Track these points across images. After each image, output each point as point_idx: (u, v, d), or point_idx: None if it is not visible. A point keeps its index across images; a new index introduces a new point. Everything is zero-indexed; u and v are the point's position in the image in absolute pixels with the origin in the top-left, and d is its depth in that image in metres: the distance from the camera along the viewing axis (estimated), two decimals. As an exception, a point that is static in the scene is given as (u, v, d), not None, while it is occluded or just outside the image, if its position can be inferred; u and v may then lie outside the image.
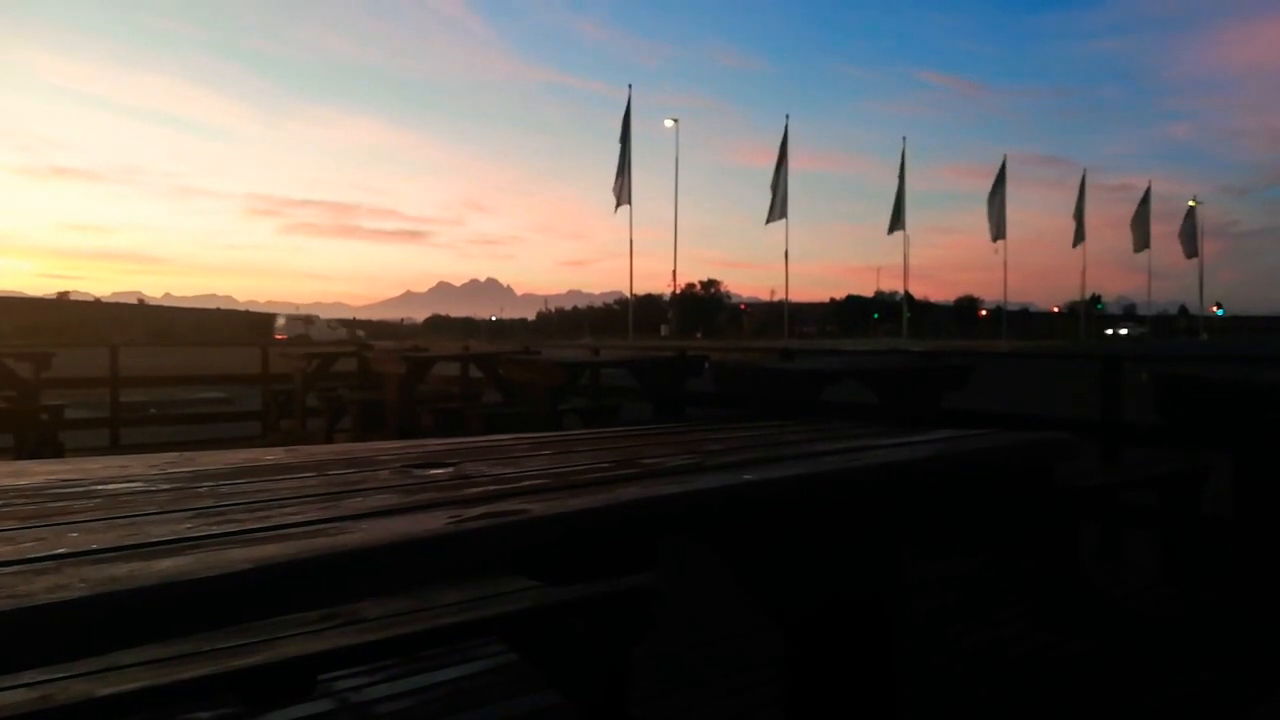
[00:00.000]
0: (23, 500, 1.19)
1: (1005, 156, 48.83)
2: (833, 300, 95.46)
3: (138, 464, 1.51)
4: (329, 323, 60.53)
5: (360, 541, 0.96)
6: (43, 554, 0.90)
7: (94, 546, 0.94)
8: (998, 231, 47.39)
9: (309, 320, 56.95)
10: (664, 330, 68.46)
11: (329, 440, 9.49)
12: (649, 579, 2.08)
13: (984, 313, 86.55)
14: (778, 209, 43.30)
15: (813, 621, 1.77)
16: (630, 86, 45.45)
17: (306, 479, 1.39)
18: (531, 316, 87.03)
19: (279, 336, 46.50)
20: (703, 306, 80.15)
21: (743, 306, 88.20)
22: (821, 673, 1.78)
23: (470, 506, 1.15)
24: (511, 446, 1.84)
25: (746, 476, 1.39)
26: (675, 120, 54.61)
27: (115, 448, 9.16)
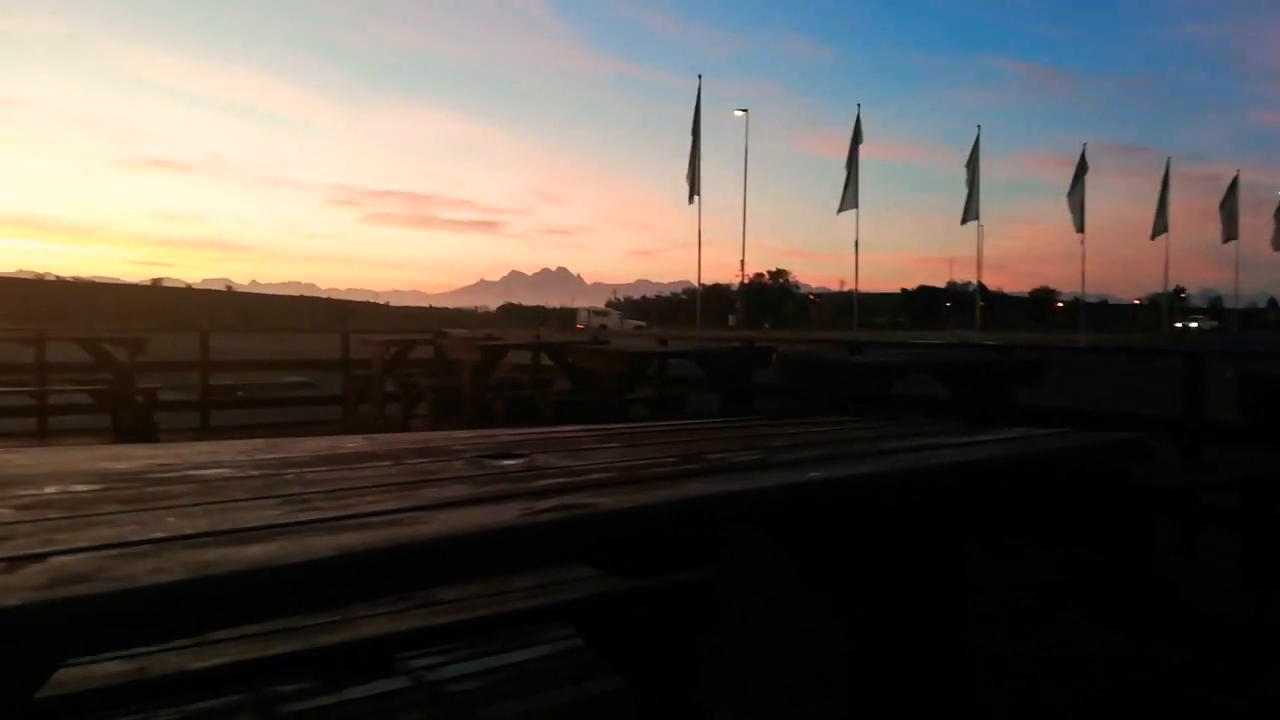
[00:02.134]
0: (123, 484, 1.27)
1: (1085, 145, 47.06)
2: (904, 291, 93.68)
3: (228, 450, 1.59)
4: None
5: (436, 532, 1.01)
6: (142, 538, 0.97)
7: (189, 531, 1.00)
8: (1080, 222, 45.81)
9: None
10: (732, 320, 68.11)
11: (405, 425, 9.73)
12: (713, 571, 2.10)
13: (1060, 305, 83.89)
14: (849, 199, 42.56)
15: (877, 618, 1.77)
16: (700, 78, 45.18)
17: (385, 468, 1.45)
18: (601, 305, 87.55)
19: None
20: (771, 296, 79.49)
21: (811, 297, 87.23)
22: (886, 669, 1.78)
23: (541, 499, 1.19)
24: (580, 438, 1.88)
25: (812, 474, 1.40)
26: (745, 110, 54.12)
27: (205, 429, 9.55)
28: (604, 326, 57.41)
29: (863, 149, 43.25)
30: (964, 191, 45.24)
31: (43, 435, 8.50)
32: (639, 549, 1.21)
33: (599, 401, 8.08)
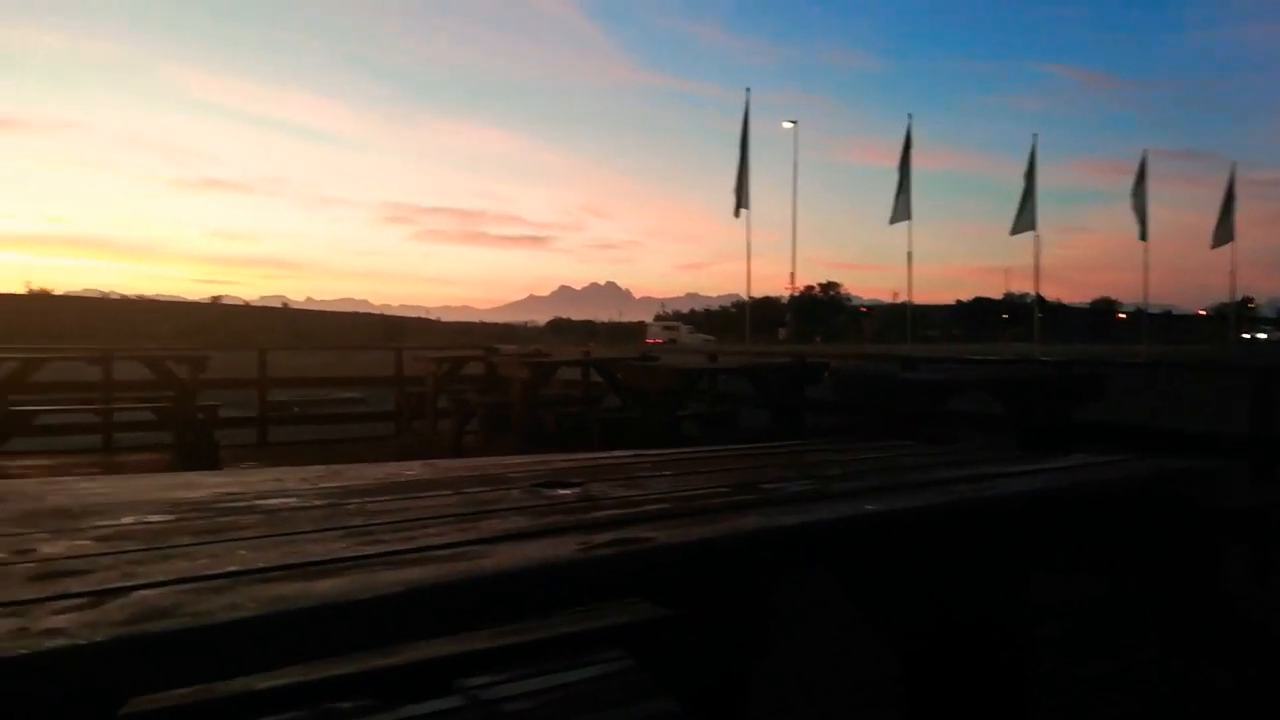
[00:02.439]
0: (195, 514, 1.31)
1: (1145, 152, 45.96)
2: (959, 302, 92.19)
3: (292, 478, 1.63)
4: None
5: (496, 567, 1.03)
6: (216, 571, 1.00)
7: (260, 565, 1.03)
8: (1143, 230, 44.65)
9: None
10: (781, 333, 67.61)
11: (458, 441, 9.84)
12: (769, 596, 2.09)
13: (1123, 316, 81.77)
14: (901, 210, 42.10)
15: (933, 647, 1.75)
16: (749, 90, 45.16)
17: (444, 497, 1.47)
18: (649, 319, 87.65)
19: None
20: (821, 309, 78.82)
21: (863, 309, 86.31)
22: (942, 697, 1.76)
23: (598, 531, 1.20)
24: (633, 465, 1.89)
25: (869, 507, 1.39)
26: (794, 122, 53.93)
27: (263, 445, 9.76)
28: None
29: (914, 158, 42.79)
30: (1019, 200, 44.48)
31: (108, 451, 8.76)
32: (696, 583, 1.22)
33: (649, 419, 8.10)
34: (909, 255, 45.53)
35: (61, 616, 0.84)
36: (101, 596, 0.90)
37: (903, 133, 43.29)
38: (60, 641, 0.78)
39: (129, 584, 0.95)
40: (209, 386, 9.23)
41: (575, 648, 2.64)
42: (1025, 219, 44.41)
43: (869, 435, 5.72)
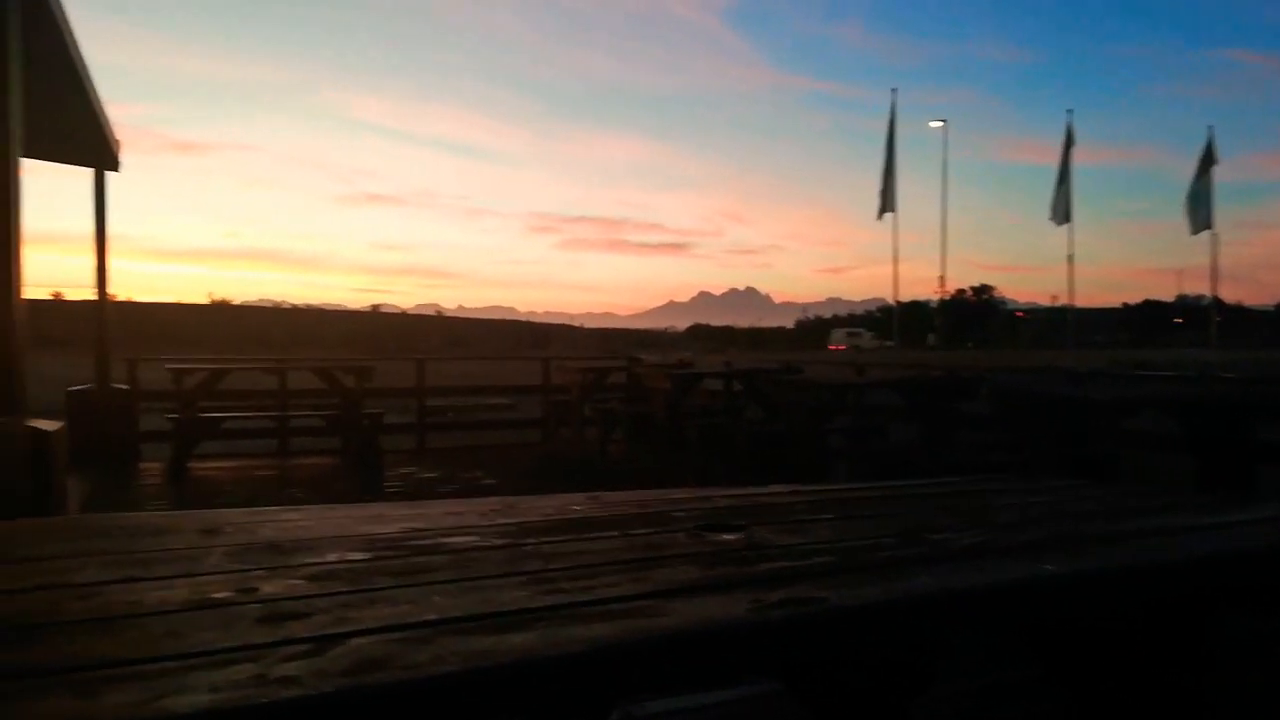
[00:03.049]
0: (389, 553, 1.41)
1: (1345, 139, 41.70)
2: (1125, 305, 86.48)
3: (471, 513, 1.73)
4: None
5: (676, 626, 1.06)
6: (418, 620, 1.08)
7: (455, 614, 1.11)
8: (1339, 226, 40.58)
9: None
10: (931, 339, 65.38)
11: (603, 448, 10.03)
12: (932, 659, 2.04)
13: (1316, 319, 74.48)
14: (1061, 209, 39.99)
15: (1107, 696, 1.66)
16: (894, 91, 44.07)
17: (613, 540, 1.53)
18: (790, 324, 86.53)
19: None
20: (974, 314, 75.66)
21: (1019, 314, 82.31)
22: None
23: (767, 588, 1.22)
24: (792, 506, 1.89)
25: (1047, 567, 1.35)
26: (943, 121, 52.25)
27: (421, 450, 10.24)
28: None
29: (1075, 154, 40.55)
30: (1189, 196, 41.37)
31: (284, 455, 9.43)
32: (861, 647, 1.21)
33: (794, 431, 8.01)
34: (1070, 257, 43.19)
35: (292, 664, 0.93)
36: (323, 644, 0.99)
37: (1061, 128, 41.11)
38: (295, 691, 0.86)
39: (345, 630, 1.04)
40: (373, 394, 9.78)
41: (733, 672, 2.66)
42: (1200, 216, 41.23)
43: (1030, 459, 5.45)
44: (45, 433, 4.28)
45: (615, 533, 1.57)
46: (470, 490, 7.68)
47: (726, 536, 1.55)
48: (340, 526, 1.59)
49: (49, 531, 1.44)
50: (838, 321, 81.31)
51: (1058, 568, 1.35)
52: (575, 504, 1.84)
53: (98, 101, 6.79)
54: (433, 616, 1.09)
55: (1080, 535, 1.62)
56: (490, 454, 9.95)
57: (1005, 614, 1.23)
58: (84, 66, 5.92)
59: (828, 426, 8.10)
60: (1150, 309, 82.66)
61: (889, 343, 61.64)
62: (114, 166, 8.53)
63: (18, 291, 4.42)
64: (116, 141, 8.22)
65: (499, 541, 1.50)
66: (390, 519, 1.66)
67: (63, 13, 5.07)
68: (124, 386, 8.80)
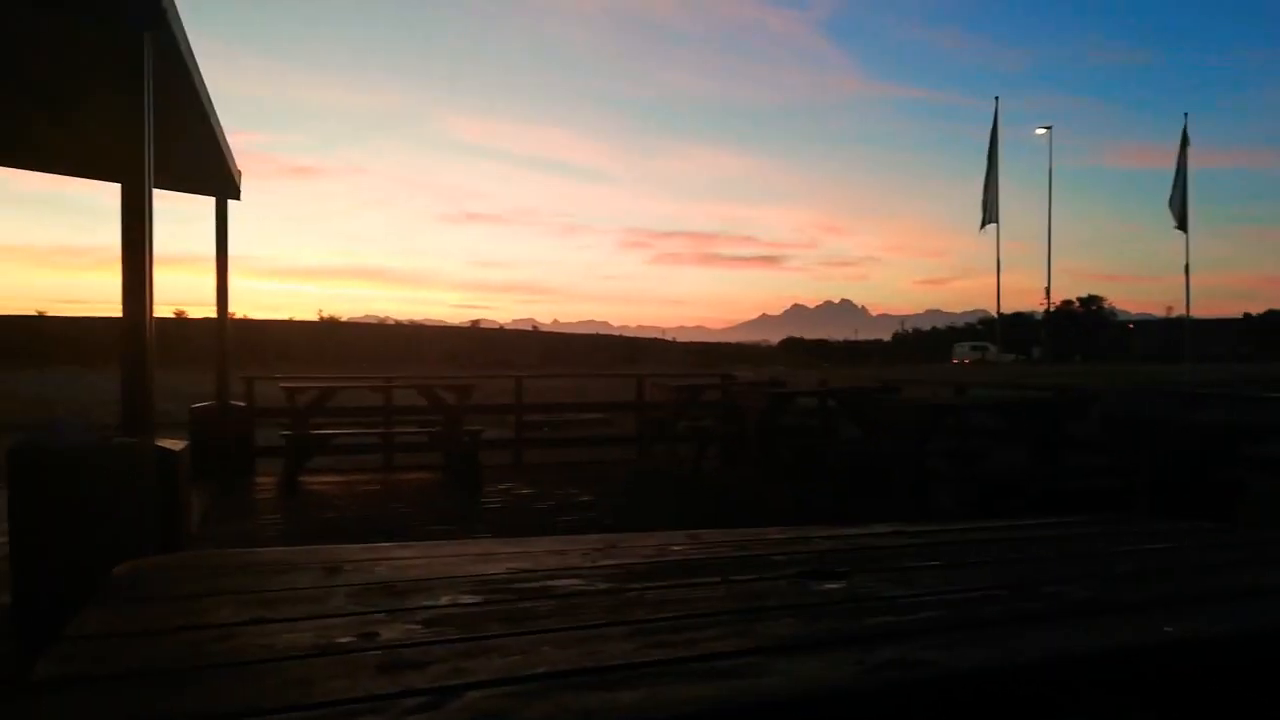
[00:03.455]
0: (497, 596, 1.46)
1: None
2: (1247, 316, 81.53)
3: (574, 552, 1.77)
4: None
5: (780, 690, 1.07)
6: (528, 673, 1.12)
7: (564, 666, 1.14)
8: None
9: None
10: (1036, 352, 62.99)
11: (696, 466, 10.03)
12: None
13: None
14: (1178, 215, 38.12)
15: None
16: (997, 99, 42.83)
17: (714, 588, 1.54)
18: (887, 337, 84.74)
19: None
20: (1081, 325, 72.58)
21: (1130, 326, 78.61)
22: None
23: (873, 647, 1.21)
24: (895, 550, 1.87)
25: (1167, 628, 1.30)
26: (1048, 127, 50.58)
27: (519, 465, 10.43)
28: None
29: (1193, 158, 38.65)
30: (1324, 202, 38.83)
31: (389, 470, 9.75)
32: (970, 715, 1.18)
33: (892, 454, 7.85)
34: (1186, 266, 41.07)
35: (411, 718, 0.98)
36: (440, 697, 1.04)
37: (1176, 131, 39.21)
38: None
39: (460, 682, 1.08)
40: (473, 411, 10.02)
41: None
42: (1335, 221, 38.57)
43: (1143, 489, 5.20)
44: (172, 452, 4.56)
45: (717, 578, 1.58)
46: (565, 506, 7.76)
47: (829, 586, 1.54)
48: (450, 566, 1.65)
49: (187, 569, 1.54)
50: (937, 335, 79.15)
51: (1179, 629, 1.30)
52: (675, 544, 1.86)
53: (222, 137, 7.20)
54: (543, 669, 1.13)
55: (1204, 590, 1.55)
56: (585, 470, 10.05)
57: (1124, 679, 1.19)
58: (210, 105, 6.30)
59: (927, 448, 7.89)
60: (1275, 319, 77.70)
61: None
62: (235, 195, 9.03)
63: (150, 318, 4.73)
64: (238, 172, 8.70)
65: (603, 586, 1.53)
66: (497, 558, 1.71)
67: (193, 58, 5.41)
68: (241, 404, 9.26)
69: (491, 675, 1.11)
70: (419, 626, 1.30)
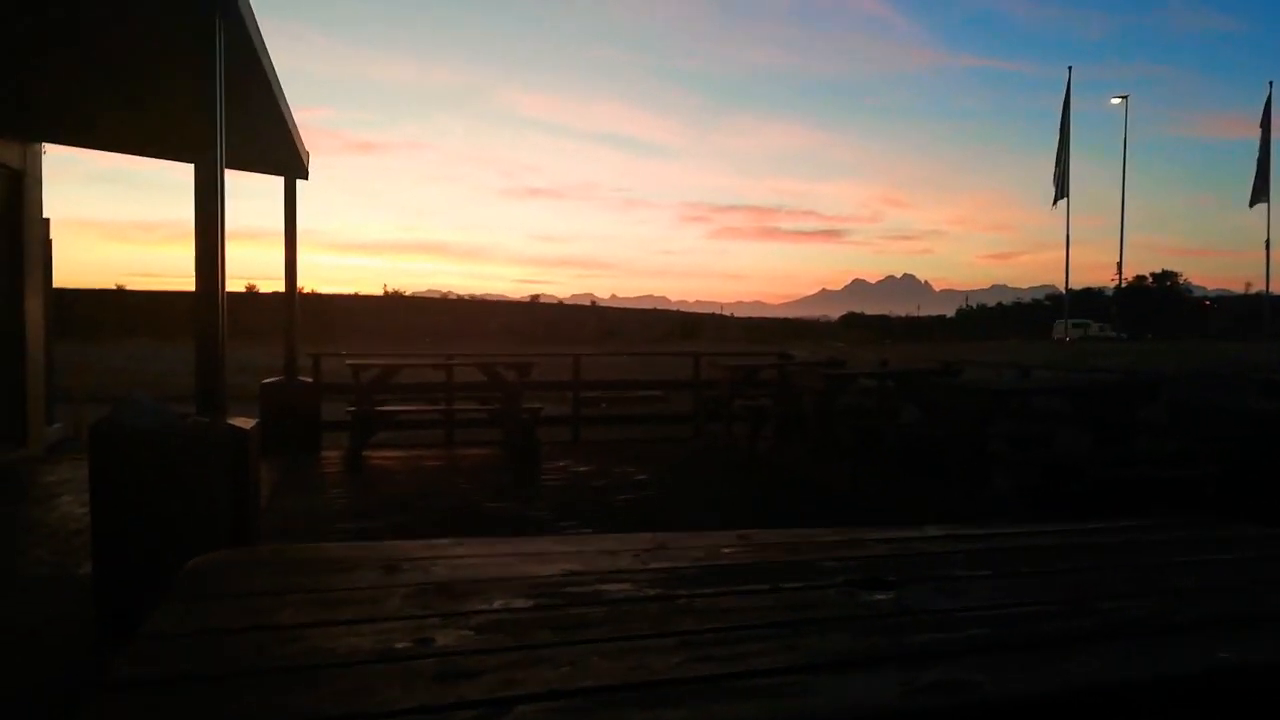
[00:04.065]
0: (550, 601, 1.50)
1: None
2: (1335, 292, 77.93)
3: (625, 551, 1.80)
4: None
5: (822, 710, 1.08)
6: (575, 687, 1.15)
7: (611, 682, 1.17)
8: None
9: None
10: (1103, 328, 61.23)
11: (751, 446, 10.02)
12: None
13: None
14: (1261, 189, 36.57)
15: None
16: (1070, 70, 41.41)
17: (763, 596, 1.56)
18: (950, 313, 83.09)
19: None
20: (1155, 301, 70.21)
21: (1207, 303, 75.82)
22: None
23: (919, 666, 1.21)
24: (948, 556, 1.86)
25: (1223, 655, 1.27)
26: (1124, 97, 48.81)
27: (576, 442, 10.54)
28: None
29: (1275, 131, 36.97)
30: None
31: (450, 445, 9.95)
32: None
33: (952, 437, 7.75)
34: (1267, 242, 39.39)
35: (465, 732, 1.02)
36: (492, 709, 1.08)
37: (1260, 101, 37.51)
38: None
39: (510, 694, 1.12)
40: (532, 388, 10.15)
41: None
42: None
43: (1211, 479, 5.05)
44: (243, 431, 4.72)
45: (766, 586, 1.60)
46: (621, 485, 7.86)
47: (878, 596, 1.54)
48: (504, 566, 1.70)
49: (256, 566, 1.61)
50: (1003, 310, 77.29)
51: (1238, 654, 1.28)
52: (725, 545, 1.87)
53: (290, 118, 7.36)
54: (590, 684, 1.16)
55: (1267, 613, 1.51)
56: (642, 448, 10.14)
57: (1178, 709, 1.17)
58: (279, 88, 6.43)
59: (989, 431, 7.77)
60: (1367, 296, 74.15)
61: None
62: (304, 175, 9.24)
63: (223, 298, 4.89)
64: (306, 152, 8.89)
65: (652, 592, 1.56)
66: (550, 558, 1.75)
67: (262, 43, 5.52)
68: (308, 380, 9.53)
69: (541, 687, 1.14)
70: (472, 633, 1.34)
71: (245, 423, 4.93)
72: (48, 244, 9.16)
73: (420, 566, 1.65)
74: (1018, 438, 8.21)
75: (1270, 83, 39.06)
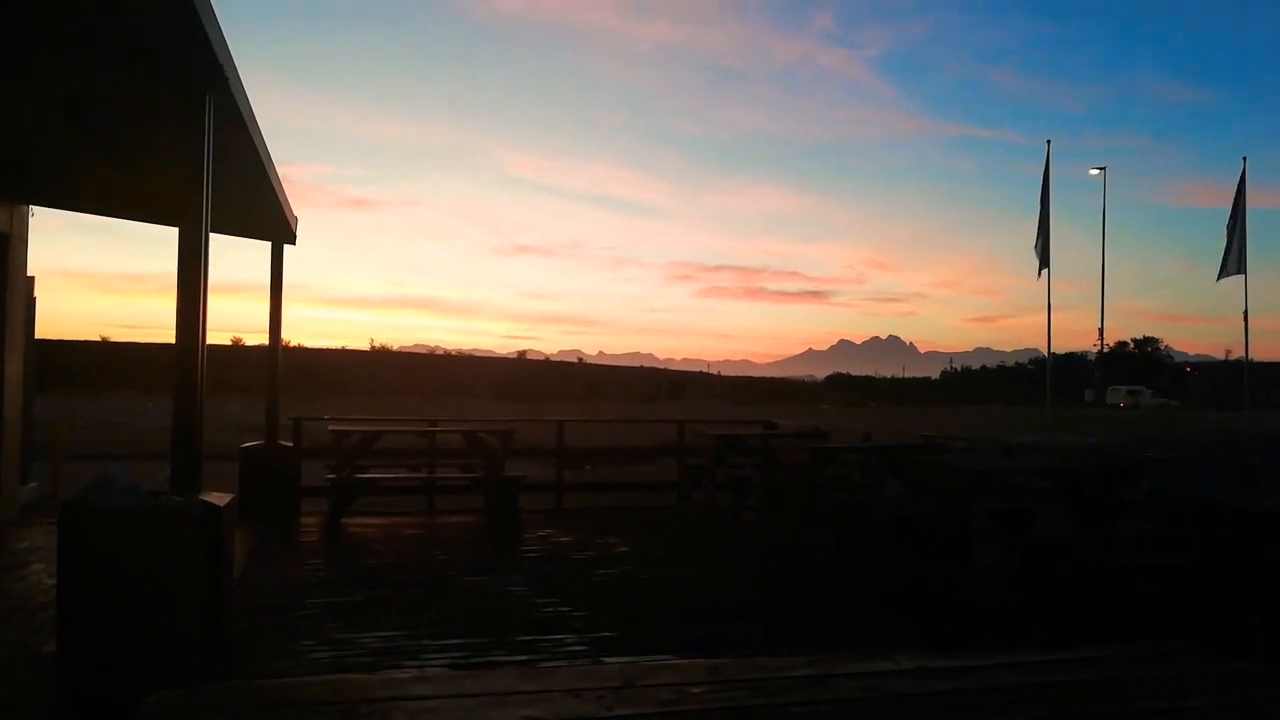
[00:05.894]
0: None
1: None
2: (1312, 360, 78.86)
3: (587, 689, 1.76)
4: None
5: None
6: None
7: None
8: None
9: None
10: (1088, 395, 61.61)
11: (736, 516, 9.94)
12: None
13: None
14: (1233, 262, 37.25)
15: None
16: (1049, 143, 42.35)
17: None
18: (935, 375, 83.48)
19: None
20: (1136, 367, 70.79)
21: (1188, 369, 76.50)
22: None
23: None
24: (919, 701, 1.83)
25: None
26: (1102, 168, 49.91)
27: (559, 510, 10.43)
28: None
29: (1257, 198, 37.81)
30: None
31: (432, 514, 9.83)
32: None
33: (937, 514, 7.72)
34: (1245, 312, 39.95)
35: None
36: None
37: (1236, 171, 38.35)
38: None
39: None
40: (515, 456, 10.08)
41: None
42: None
43: (1204, 574, 4.99)
44: (217, 507, 4.65)
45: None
46: (603, 558, 7.73)
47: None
48: (465, 712, 1.66)
49: (210, 710, 1.57)
50: (986, 374, 77.74)
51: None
52: (694, 685, 1.84)
53: (279, 186, 7.40)
54: None
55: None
56: (625, 516, 10.03)
57: None
58: (268, 158, 6.48)
59: (971, 509, 7.73)
60: (1345, 365, 75.01)
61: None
62: (291, 240, 9.26)
63: (203, 380, 4.84)
64: (294, 219, 8.93)
65: (617, 747, 1.52)
66: (511, 702, 1.71)
67: (252, 116, 5.58)
68: (288, 444, 9.43)
69: None
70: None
71: (220, 497, 4.86)
72: (31, 301, 9.13)
73: (379, 711, 1.61)
74: (1001, 516, 8.18)
75: (1245, 158, 40.00)
